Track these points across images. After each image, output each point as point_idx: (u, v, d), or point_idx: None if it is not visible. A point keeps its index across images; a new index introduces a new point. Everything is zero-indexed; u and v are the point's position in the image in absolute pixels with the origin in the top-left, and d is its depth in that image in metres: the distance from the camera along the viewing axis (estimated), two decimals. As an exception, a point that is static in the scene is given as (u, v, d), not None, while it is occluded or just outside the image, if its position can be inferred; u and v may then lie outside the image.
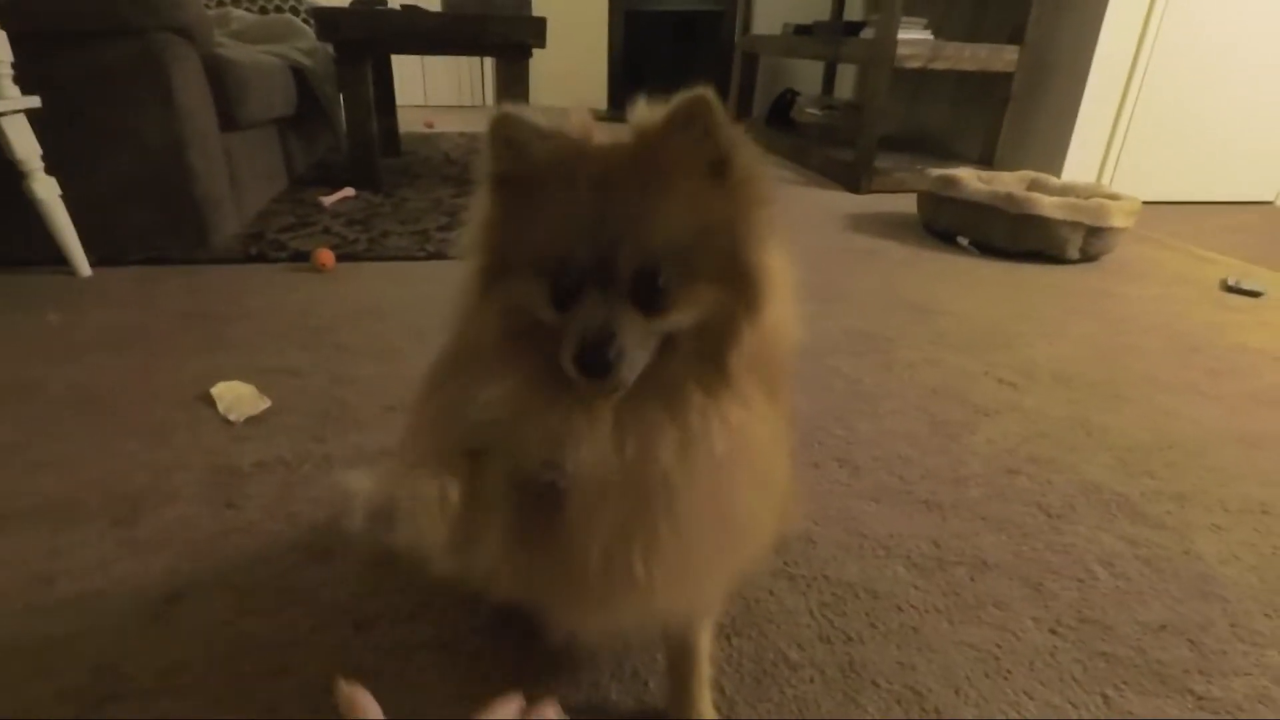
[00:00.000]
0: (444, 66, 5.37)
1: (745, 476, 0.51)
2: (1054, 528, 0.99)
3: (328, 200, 2.38)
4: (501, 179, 0.48)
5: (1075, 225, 2.13)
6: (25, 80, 1.57)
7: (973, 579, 0.89)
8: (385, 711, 0.45)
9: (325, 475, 1.03)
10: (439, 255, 1.94)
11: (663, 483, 0.47)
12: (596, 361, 0.43)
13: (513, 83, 2.39)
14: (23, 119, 1.57)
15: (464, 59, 5.27)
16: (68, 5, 1.65)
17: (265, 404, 1.19)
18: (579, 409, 0.47)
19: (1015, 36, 2.91)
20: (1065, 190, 2.37)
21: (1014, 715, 0.71)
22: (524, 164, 0.47)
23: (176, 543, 0.90)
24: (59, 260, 1.75)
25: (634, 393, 0.47)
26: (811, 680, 0.74)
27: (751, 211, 0.47)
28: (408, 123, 3.70)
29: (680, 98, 0.44)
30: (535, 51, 2.43)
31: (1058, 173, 2.82)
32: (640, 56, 4.92)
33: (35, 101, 1.58)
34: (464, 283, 0.51)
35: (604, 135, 0.48)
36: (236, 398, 1.20)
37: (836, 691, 0.73)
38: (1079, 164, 2.92)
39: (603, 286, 0.45)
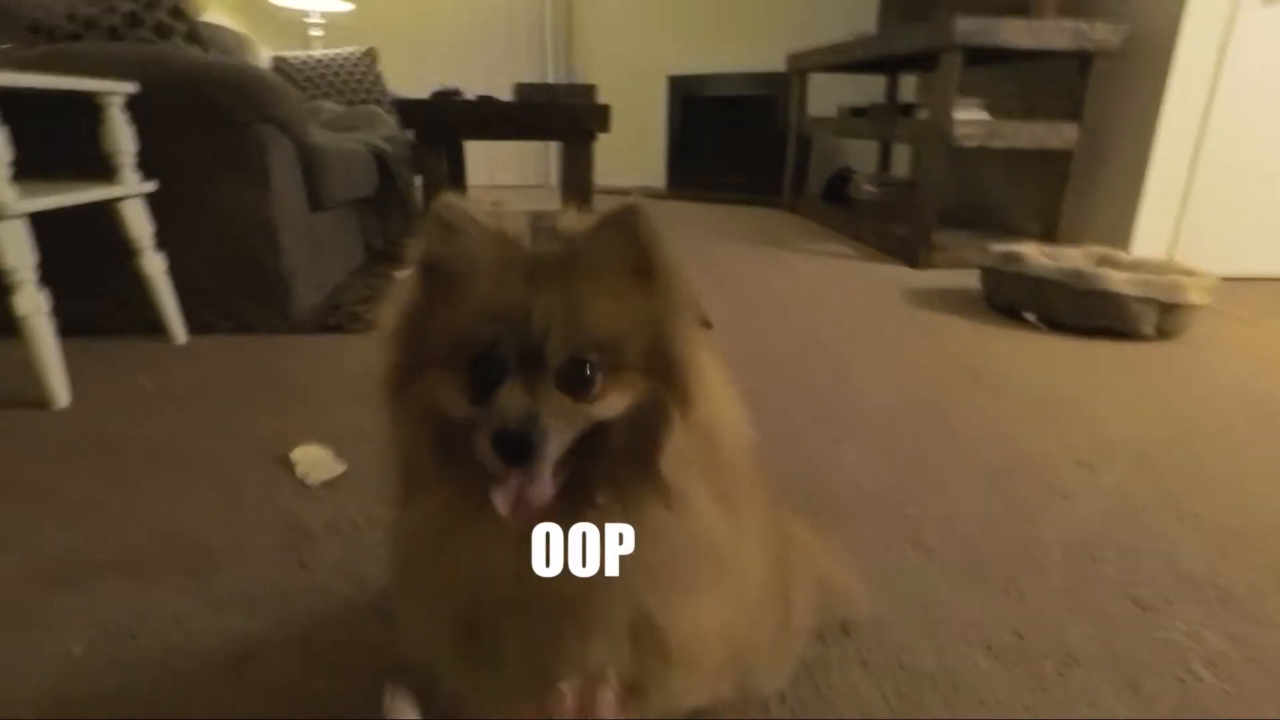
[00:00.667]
0: (511, 150, 5.67)
1: (670, 586, 0.49)
2: (1147, 621, 0.93)
3: (400, 275, 2.50)
4: (430, 265, 0.48)
5: (1148, 302, 2.07)
6: (141, 161, 1.73)
7: (1061, 674, 0.83)
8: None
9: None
10: (504, 326, 2.01)
11: (568, 597, 0.47)
12: (518, 442, 0.42)
13: (577, 164, 2.51)
14: (140, 202, 1.73)
15: (530, 142, 5.56)
16: (182, 101, 1.83)
17: (341, 468, 1.24)
18: (494, 533, 0.46)
19: (1073, 114, 2.92)
20: (1137, 266, 2.31)
21: (1117, 828, 0.65)
22: (455, 251, 0.47)
23: (250, 601, 0.93)
24: (155, 328, 1.87)
25: (548, 509, 0.46)
26: (890, 776, 0.70)
27: (675, 313, 0.48)
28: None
29: (611, 207, 0.47)
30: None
31: (1125, 247, 2.76)
32: (697, 137, 5.11)
33: (152, 186, 1.74)
34: (378, 385, 0.51)
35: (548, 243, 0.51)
36: (313, 461, 1.24)
37: (917, 790, 0.68)
38: (1147, 238, 2.85)
39: (527, 376, 0.44)
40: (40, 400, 1.47)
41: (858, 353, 1.93)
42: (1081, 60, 2.87)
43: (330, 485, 1.20)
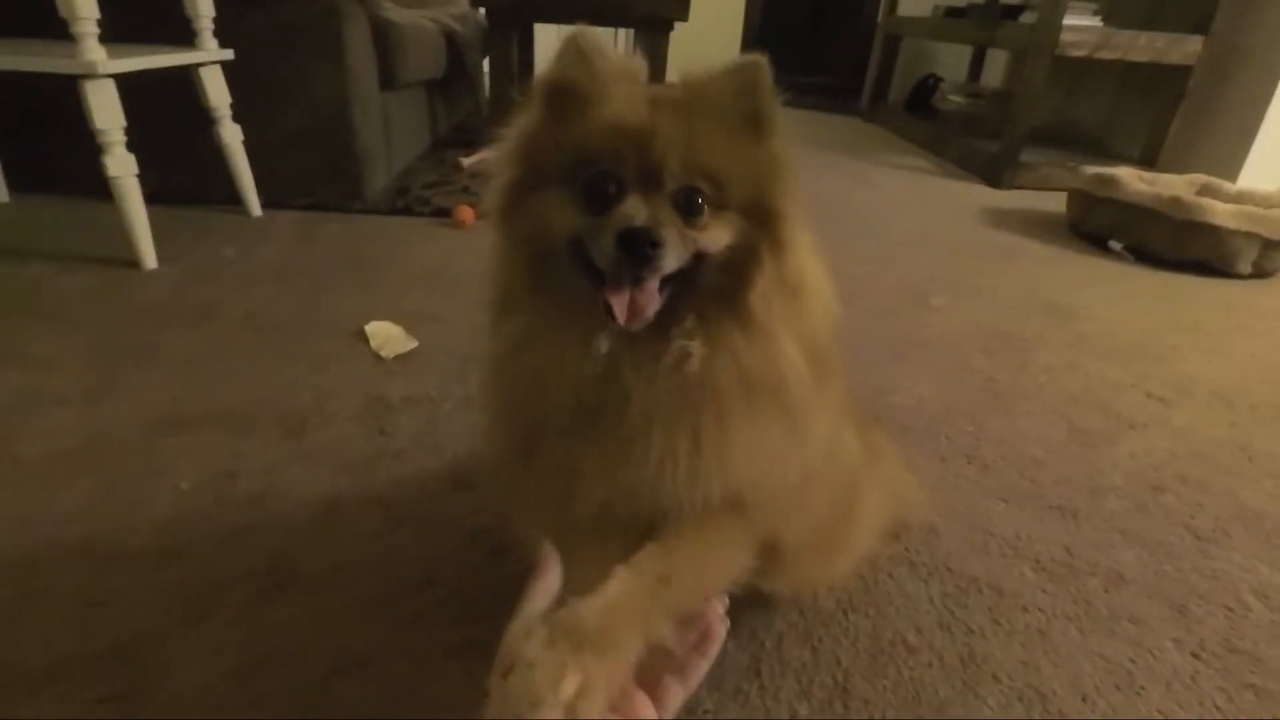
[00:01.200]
0: (577, 38, 5.45)
1: (733, 393, 0.50)
2: (1203, 551, 0.93)
3: (467, 161, 2.49)
4: (559, 88, 0.50)
5: (1251, 237, 1.93)
6: (217, 35, 1.73)
7: (1107, 591, 0.85)
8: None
9: (466, 414, 1.11)
10: (569, 220, 2.01)
11: (640, 409, 0.50)
12: (641, 243, 0.45)
13: (652, 55, 2.41)
14: (218, 69, 1.74)
15: (601, 30, 5.32)
16: (261, -33, 1.80)
17: (413, 344, 1.29)
18: (575, 344, 0.50)
19: (1200, 26, 2.64)
20: (1241, 198, 2.15)
21: (1147, 732, 0.68)
22: (586, 75, 0.50)
23: (336, 458, 1.00)
24: (232, 200, 1.93)
25: (636, 349, 0.50)
26: (929, 665, 0.73)
27: (779, 167, 0.51)
28: (541, 91, 3.80)
29: (740, 59, 0.49)
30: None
31: (1233, 178, 2.55)
32: (776, 34, 4.81)
33: (229, 54, 1.75)
34: (491, 200, 0.54)
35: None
36: (388, 337, 1.30)
37: (955, 680, 0.72)
38: (1260, 170, 2.63)
39: (644, 194, 0.47)
40: (131, 260, 1.56)
41: (932, 275, 1.87)
42: (1220, -39, 2.57)
43: (403, 359, 1.26)
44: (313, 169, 2.04)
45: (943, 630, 0.78)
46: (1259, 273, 1.99)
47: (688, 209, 0.48)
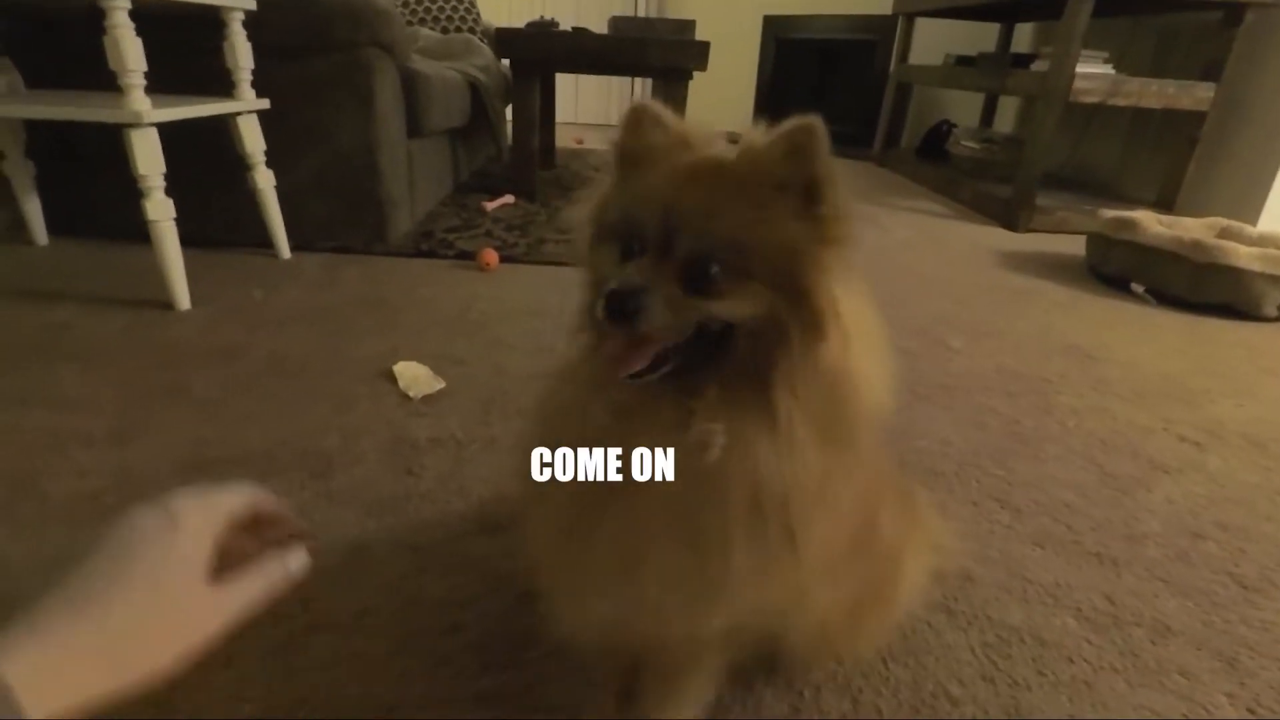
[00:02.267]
0: (596, 86, 5.60)
1: (742, 509, 0.49)
2: (1249, 601, 0.90)
3: (489, 205, 2.54)
4: (622, 154, 0.54)
5: (1273, 279, 1.92)
6: (254, 85, 1.79)
7: (1154, 642, 0.83)
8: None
9: (490, 456, 1.11)
10: (589, 263, 2.03)
11: (643, 484, 0.50)
12: (619, 305, 0.46)
13: (670, 104, 2.47)
14: (254, 118, 1.80)
15: (616, 79, 5.47)
16: (294, 23, 1.87)
17: (440, 385, 1.30)
18: (601, 393, 0.51)
19: (1210, 74, 2.68)
20: (1263, 241, 2.15)
21: (1206, 793, 0.65)
22: (640, 145, 0.53)
23: (364, 500, 1.00)
24: (262, 243, 1.97)
25: (652, 411, 0.50)
26: (974, 718, 0.71)
27: (830, 244, 0.49)
28: (559, 138, 3.89)
29: (791, 122, 0.47)
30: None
31: (1252, 221, 2.56)
32: (789, 82, 4.93)
33: (266, 104, 1.81)
34: (576, 249, 0.58)
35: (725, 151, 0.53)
36: (414, 377, 1.31)
37: (1001, 734, 0.70)
38: (1279, 213, 2.63)
39: (656, 259, 0.48)
40: (165, 302, 1.59)
41: (950, 317, 1.87)
42: (1229, 11, 2.62)
43: (430, 400, 1.27)
44: (339, 213, 2.09)
45: (986, 682, 0.75)
46: (1284, 316, 1.97)
47: (700, 278, 0.47)
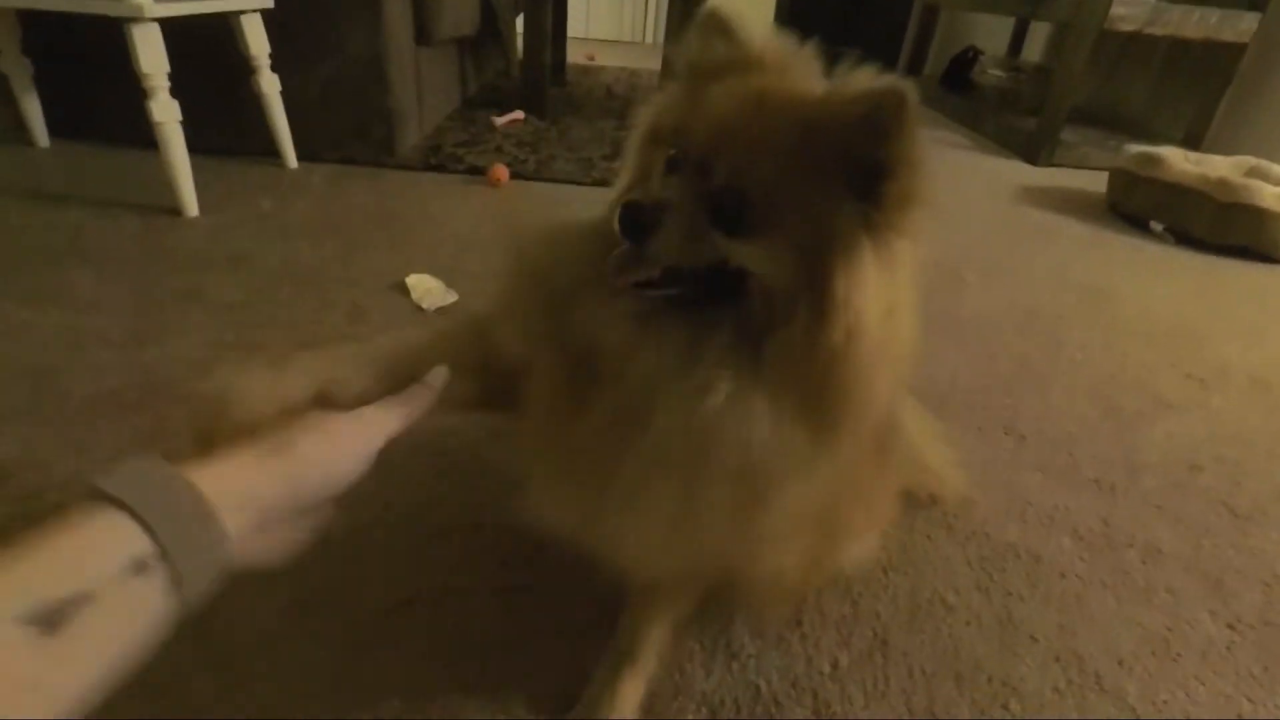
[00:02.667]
0: (608, 2, 5.37)
1: (719, 464, 0.46)
2: (1240, 529, 0.93)
3: (499, 121, 2.48)
4: (692, 67, 0.51)
5: (1297, 222, 1.89)
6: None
7: (1144, 563, 0.86)
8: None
9: (504, 367, 1.12)
10: (603, 182, 2.00)
11: (634, 414, 0.47)
12: (635, 217, 0.45)
13: (686, 18, 2.37)
14: (258, 18, 1.73)
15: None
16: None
17: (453, 298, 1.30)
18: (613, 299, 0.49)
19: (1256, 3, 2.56)
20: (1290, 182, 2.10)
21: (1183, 697, 0.69)
22: (711, 58, 0.50)
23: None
24: (268, 152, 1.93)
25: (667, 328, 0.47)
26: (967, 624, 0.75)
27: (880, 232, 0.44)
28: (570, 55, 3.76)
29: (883, 83, 0.41)
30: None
31: (1281, 163, 2.49)
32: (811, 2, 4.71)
33: (269, 2, 1.74)
34: (632, 139, 0.56)
35: (807, 76, 0.49)
36: (427, 289, 1.31)
37: (993, 639, 0.73)
38: (1308, 156, 2.56)
39: (689, 180, 0.46)
40: (173, 208, 1.57)
41: (967, 253, 1.84)
42: (1281, -65, 2.47)
43: (443, 311, 1.27)
44: (346, 124, 2.04)
45: (980, 592, 0.79)
46: (1303, 260, 1.95)
47: (728, 212, 0.44)
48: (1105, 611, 0.78)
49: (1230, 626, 0.78)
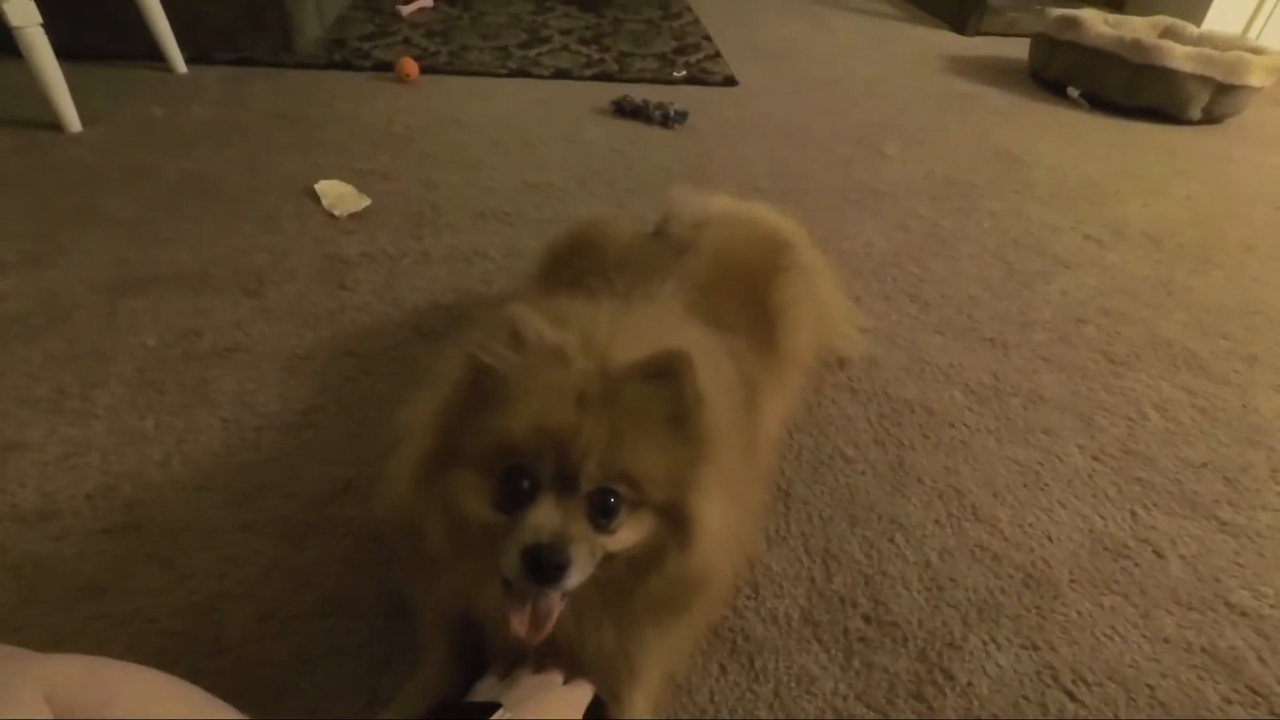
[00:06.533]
0: None
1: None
2: (1115, 373, 1.02)
3: (405, 10, 2.31)
4: (488, 369, 0.48)
5: (1204, 80, 1.94)
6: None
7: (1025, 409, 0.94)
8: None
9: (424, 268, 1.12)
10: (520, 73, 1.91)
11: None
12: (548, 561, 0.44)
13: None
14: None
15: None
16: None
17: (366, 202, 1.27)
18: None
19: None
20: (1201, 40, 2.14)
21: (1045, 519, 0.79)
22: (515, 362, 0.48)
23: (300, 313, 1.01)
24: (153, 56, 1.78)
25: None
26: (863, 473, 0.82)
27: (699, 462, 0.49)
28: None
29: (661, 350, 0.47)
30: None
31: (1198, 21, 2.52)
32: None
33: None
34: (404, 469, 0.52)
35: (587, 356, 0.49)
36: (339, 195, 1.27)
37: (885, 483, 0.81)
38: (1224, 13, 2.59)
39: (558, 496, 0.46)
40: (52, 122, 1.46)
41: (889, 124, 1.85)
42: None
43: (357, 218, 1.24)
44: (238, 18, 1.87)
45: (877, 445, 0.86)
46: (1208, 118, 2.02)
47: (602, 512, 0.46)
48: (987, 453, 0.87)
49: (1095, 458, 0.87)
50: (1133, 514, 0.80)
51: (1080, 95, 2.11)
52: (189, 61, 1.83)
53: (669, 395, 0.47)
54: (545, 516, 0.45)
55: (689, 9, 2.66)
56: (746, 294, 0.76)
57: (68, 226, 1.17)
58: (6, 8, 1.32)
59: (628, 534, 0.48)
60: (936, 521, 0.77)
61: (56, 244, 1.12)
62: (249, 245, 1.15)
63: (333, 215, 1.24)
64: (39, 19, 1.37)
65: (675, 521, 0.48)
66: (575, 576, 0.45)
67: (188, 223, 1.21)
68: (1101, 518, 0.80)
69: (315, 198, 1.28)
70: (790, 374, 0.82)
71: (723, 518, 0.50)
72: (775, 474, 0.80)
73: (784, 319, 0.78)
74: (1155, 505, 0.81)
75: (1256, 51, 1.98)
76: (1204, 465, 0.87)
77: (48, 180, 1.30)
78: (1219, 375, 1.03)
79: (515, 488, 0.46)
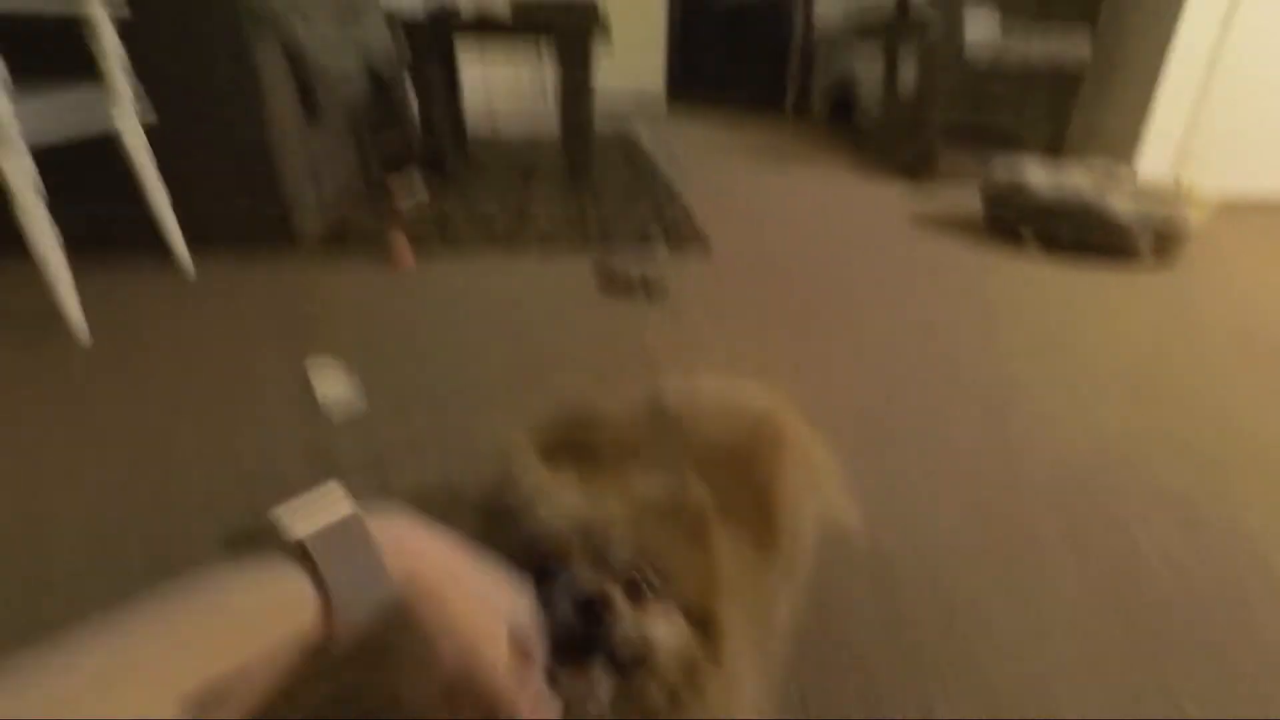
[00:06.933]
0: (507, 74, 5.43)
1: None
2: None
3: (403, 198, 2.48)
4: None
5: (1145, 224, 2.08)
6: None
7: (1023, 558, 0.92)
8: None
9: (416, 457, 1.12)
10: (508, 248, 2.04)
11: None
12: (602, 611, 0.46)
13: (573, 67, 2.46)
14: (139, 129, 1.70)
15: (526, 66, 5.31)
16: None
17: (363, 407, 1.29)
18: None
19: (1087, 13, 2.83)
20: (1138, 191, 2.31)
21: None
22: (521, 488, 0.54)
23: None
24: (166, 251, 1.87)
25: None
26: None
27: (721, 582, 0.52)
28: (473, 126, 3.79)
29: (677, 486, 0.53)
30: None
31: (1131, 160, 2.73)
32: (698, 45, 4.93)
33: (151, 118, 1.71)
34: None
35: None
36: (336, 400, 1.28)
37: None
38: (1155, 155, 2.81)
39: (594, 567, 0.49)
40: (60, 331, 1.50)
41: (857, 274, 1.95)
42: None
43: (354, 423, 1.23)
44: (241, 215, 2.01)
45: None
46: (1159, 254, 2.13)
47: (635, 595, 0.47)
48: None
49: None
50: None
51: (1033, 234, 2.24)
52: (195, 249, 1.92)
53: (688, 531, 0.51)
54: (588, 574, 0.47)
55: (660, 171, 2.87)
56: (740, 476, 0.76)
57: (78, 451, 1.18)
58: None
59: (664, 625, 0.48)
60: None
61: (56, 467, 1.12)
62: (242, 446, 1.16)
63: (327, 412, 1.25)
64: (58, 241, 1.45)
65: (705, 629, 0.49)
66: (624, 629, 0.45)
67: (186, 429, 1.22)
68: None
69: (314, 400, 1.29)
70: (790, 552, 0.79)
71: (745, 649, 0.52)
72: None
73: (779, 498, 0.77)
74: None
75: (1189, 198, 2.14)
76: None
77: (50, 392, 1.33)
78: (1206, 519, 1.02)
79: (543, 566, 0.48)
